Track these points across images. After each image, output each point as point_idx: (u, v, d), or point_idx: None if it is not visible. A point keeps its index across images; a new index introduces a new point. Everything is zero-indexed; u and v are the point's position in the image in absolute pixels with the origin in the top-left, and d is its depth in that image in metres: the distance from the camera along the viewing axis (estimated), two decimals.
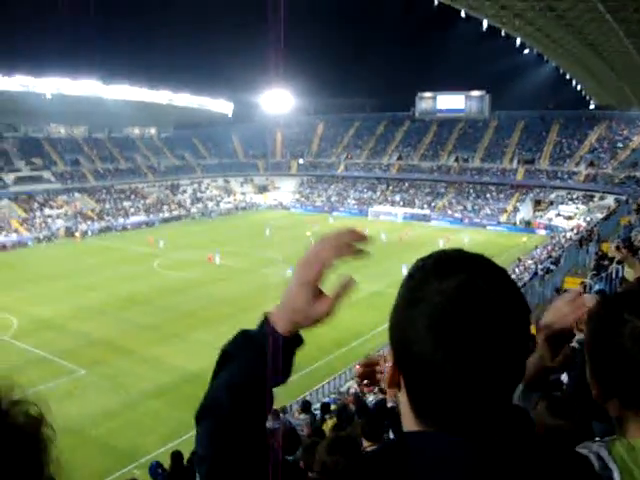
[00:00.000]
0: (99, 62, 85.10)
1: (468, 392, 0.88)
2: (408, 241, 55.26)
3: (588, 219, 56.23)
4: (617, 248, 6.75)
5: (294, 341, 1.16)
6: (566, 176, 70.43)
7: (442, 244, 50.16)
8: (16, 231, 60.77)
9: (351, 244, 1.18)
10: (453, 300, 0.90)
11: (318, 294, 1.14)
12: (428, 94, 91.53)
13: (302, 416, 10.85)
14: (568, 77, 68.44)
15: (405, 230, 62.10)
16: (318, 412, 12.47)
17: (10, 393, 0.85)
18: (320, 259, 1.16)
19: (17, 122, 78.17)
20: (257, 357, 1.10)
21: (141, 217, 71.60)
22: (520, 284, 30.64)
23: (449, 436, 0.89)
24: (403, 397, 0.99)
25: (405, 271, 1.09)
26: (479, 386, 0.88)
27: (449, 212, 72.70)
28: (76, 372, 25.60)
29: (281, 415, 13.76)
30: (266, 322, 1.14)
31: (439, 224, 68.93)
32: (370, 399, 21.22)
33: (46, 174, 73.17)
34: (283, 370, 1.14)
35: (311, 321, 1.14)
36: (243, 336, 1.18)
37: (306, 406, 11.71)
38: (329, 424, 9.82)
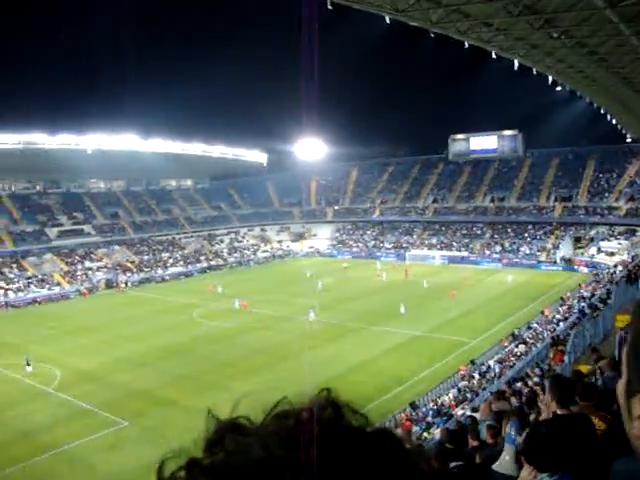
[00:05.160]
0: (136, 117, 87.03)
1: None
2: (446, 285, 54.71)
3: (632, 254, 54.84)
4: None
5: None
6: (606, 212, 69.14)
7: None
8: (58, 284, 61.83)
9: None
10: None
11: None
12: (461, 136, 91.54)
13: None
14: (602, 112, 67.61)
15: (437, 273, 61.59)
16: None
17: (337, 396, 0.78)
18: None
19: (59, 179, 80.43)
20: None
21: (179, 268, 72.23)
22: (568, 324, 29.81)
23: None
24: None
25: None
26: None
27: (487, 253, 71.79)
28: (119, 424, 25.47)
29: None
30: None
31: (478, 266, 68.09)
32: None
33: (87, 228, 74.70)
34: None
35: None
36: None
37: None
38: None
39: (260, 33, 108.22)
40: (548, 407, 4.30)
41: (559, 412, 4.05)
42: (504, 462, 4.54)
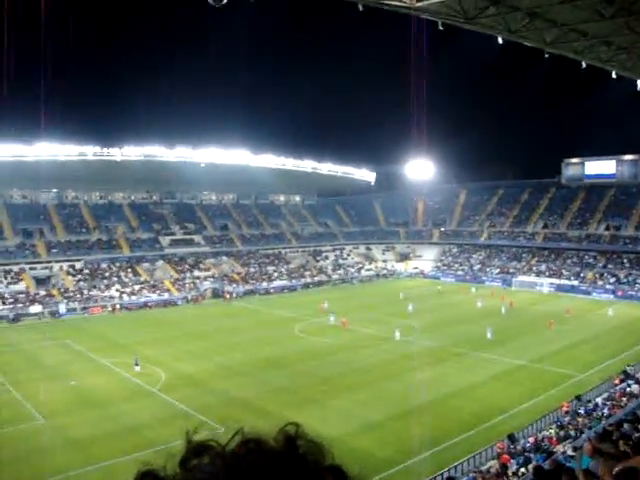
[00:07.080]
0: (248, 134, 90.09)
1: None
2: (551, 314, 52.40)
3: None
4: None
5: None
6: None
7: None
8: (168, 290, 64.56)
9: None
10: None
11: None
12: (575, 160, 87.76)
13: None
14: None
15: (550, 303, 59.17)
16: None
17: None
18: None
19: (174, 190, 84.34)
20: None
21: (284, 282, 73.52)
22: None
23: None
24: None
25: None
26: None
27: (599, 283, 68.30)
28: (215, 429, 26.10)
29: None
30: None
31: (589, 297, 64.89)
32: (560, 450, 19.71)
33: (197, 238, 77.59)
34: None
35: None
36: None
37: None
38: None
39: (371, 49, 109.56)
40: None
41: None
42: None
